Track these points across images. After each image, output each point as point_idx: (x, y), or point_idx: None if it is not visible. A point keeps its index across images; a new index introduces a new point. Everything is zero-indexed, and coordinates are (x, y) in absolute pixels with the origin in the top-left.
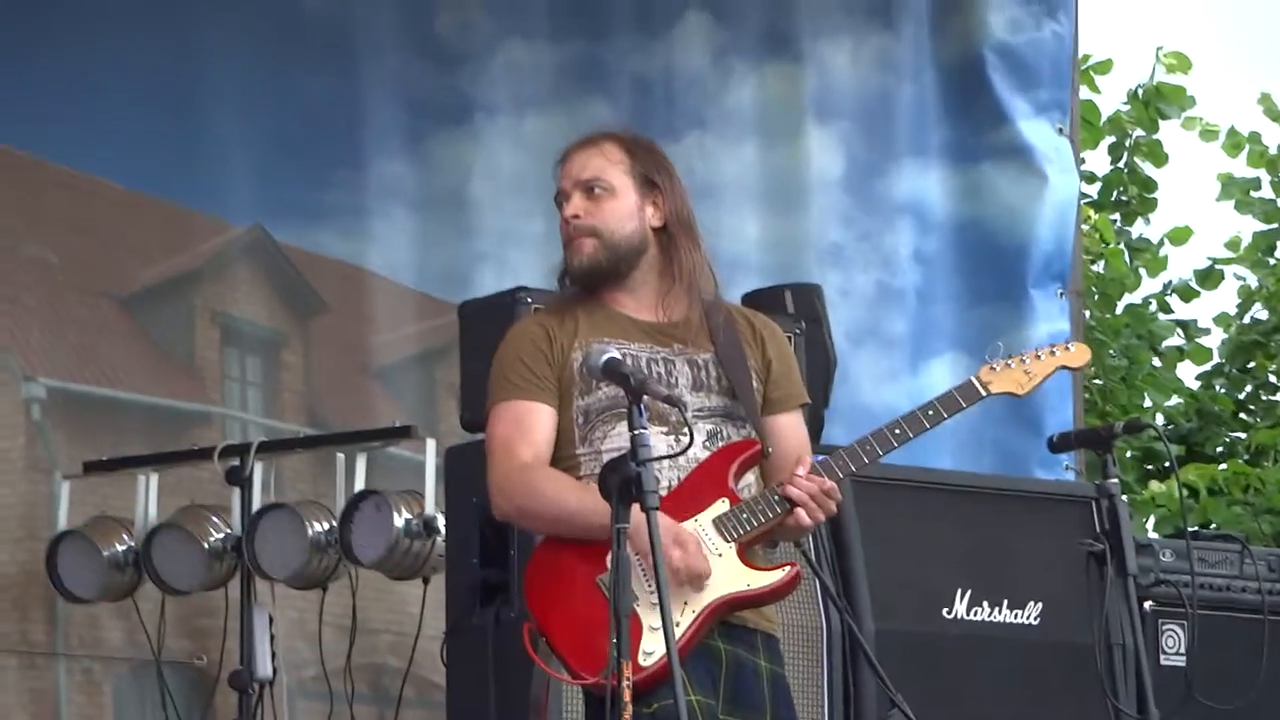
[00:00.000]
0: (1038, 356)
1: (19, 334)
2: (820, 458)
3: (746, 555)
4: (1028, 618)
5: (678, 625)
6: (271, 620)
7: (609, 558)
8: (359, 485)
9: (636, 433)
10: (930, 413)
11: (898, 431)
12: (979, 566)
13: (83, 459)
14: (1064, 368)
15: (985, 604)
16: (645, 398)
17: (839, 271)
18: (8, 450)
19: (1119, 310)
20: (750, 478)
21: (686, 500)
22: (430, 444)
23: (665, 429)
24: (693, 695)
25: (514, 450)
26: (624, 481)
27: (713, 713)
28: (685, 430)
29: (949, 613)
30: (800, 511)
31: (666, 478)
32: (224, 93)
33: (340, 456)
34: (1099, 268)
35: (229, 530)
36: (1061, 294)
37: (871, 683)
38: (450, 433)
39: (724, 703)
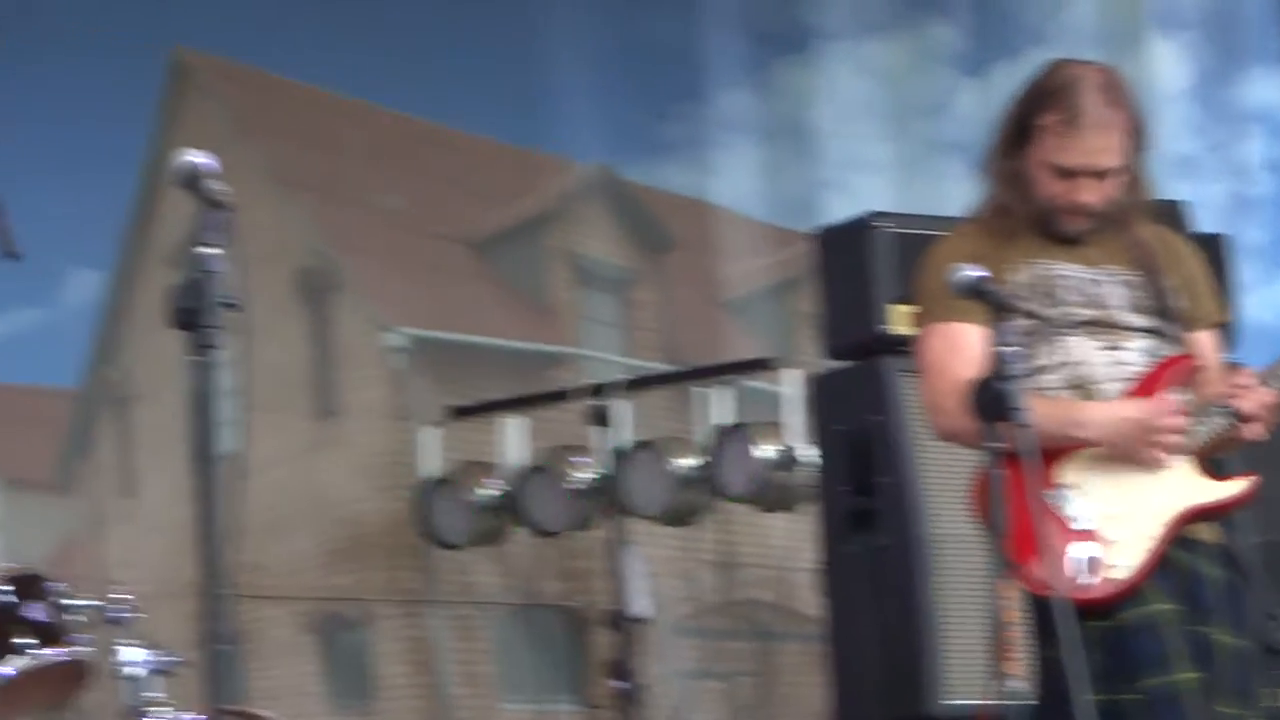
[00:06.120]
0: None
1: (375, 285)
2: (1263, 366)
3: (1200, 466)
4: None
5: (1148, 535)
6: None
7: (1055, 471)
8: (721, 419)
9: (1001, 350)
10: None
11: None
12: None
13: (444, 405)
14: None
15: None
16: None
17: (1190, 183)
18: (372, 400)
19: None
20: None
21: None
22: (791, 374)
23: (1100, 345)
24: (1165, 604)
25: (948, 371)
26: (994, 398)
27: (1185, 622)
28: (1122, 347)
29: None
30: (1254, 426)
31: (1106, 393)
32: (564, 33)
33: (700, 391)
34: None
35: (594, 470)
36: None
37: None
38: (808, 362)
39: (1189, 614)
